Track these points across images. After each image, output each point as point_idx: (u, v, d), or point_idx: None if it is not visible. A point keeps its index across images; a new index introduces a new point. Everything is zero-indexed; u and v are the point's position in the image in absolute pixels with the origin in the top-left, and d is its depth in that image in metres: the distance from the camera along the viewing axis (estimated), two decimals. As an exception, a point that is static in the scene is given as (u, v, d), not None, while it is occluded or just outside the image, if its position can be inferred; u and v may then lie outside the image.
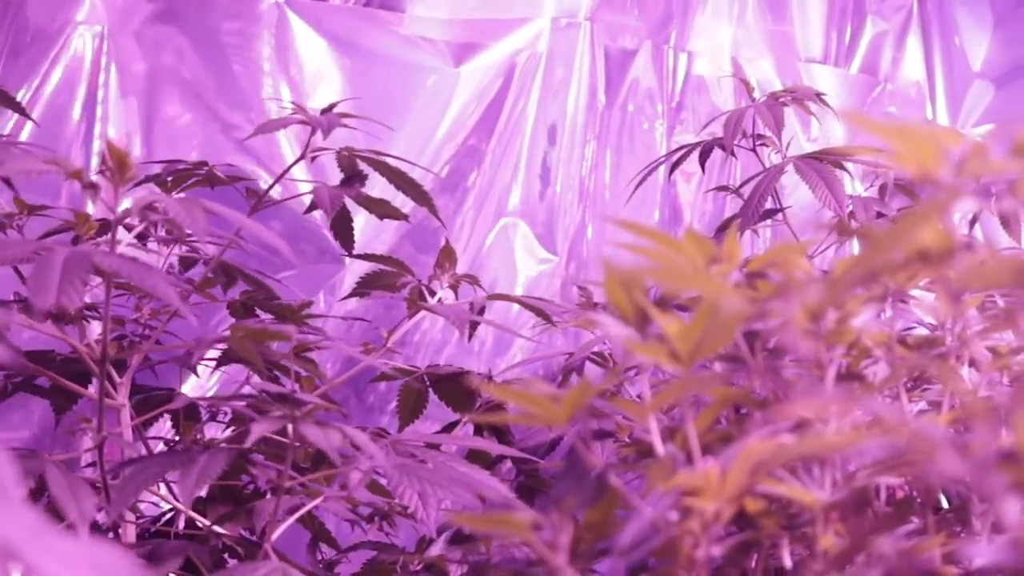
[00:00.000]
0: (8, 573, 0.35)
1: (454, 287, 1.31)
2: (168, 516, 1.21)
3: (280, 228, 1.73)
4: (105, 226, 1.02)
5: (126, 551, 0.95)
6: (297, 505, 1.00)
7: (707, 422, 0.61)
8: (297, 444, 0.87)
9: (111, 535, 1.07)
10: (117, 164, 0.86)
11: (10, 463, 0.36)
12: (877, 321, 0.66)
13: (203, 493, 1.23)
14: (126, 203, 0.96)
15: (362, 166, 1.23)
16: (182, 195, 1.24)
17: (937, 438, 0.45)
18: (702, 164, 1.51)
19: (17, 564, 0.35)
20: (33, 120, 1.60)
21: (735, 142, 1.43)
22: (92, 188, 0.86)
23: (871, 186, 1.58)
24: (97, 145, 1.71)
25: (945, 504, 0.76)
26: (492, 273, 1.85)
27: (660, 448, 0.60)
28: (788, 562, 0.63)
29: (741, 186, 1.49)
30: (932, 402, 0.79)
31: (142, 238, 1.22)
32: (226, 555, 1.14)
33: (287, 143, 1.76)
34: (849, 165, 1.44)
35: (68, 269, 0.77)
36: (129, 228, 0.96)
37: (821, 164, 1.37)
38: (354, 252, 1.30)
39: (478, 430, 1.32)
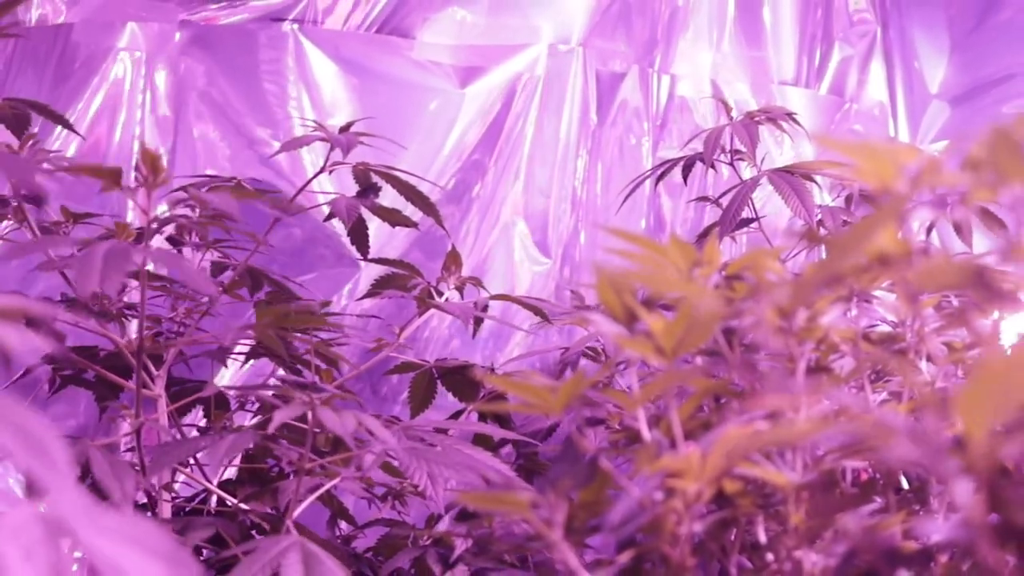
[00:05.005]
0: (59, 547, 0.35)
1: (459, 288, 1.31)
2: (201, 496, 1.21)
3: (301, 235, 1.73)
4: (143, 233, 1.02)
5: (162, 525, 0.96)
6: (317, 485, 1.00)
7: (689, 411, 0.61)
8: (316, 430, 0.87)
9: (149, 513, 1.07)
10: (150, 168, 0.86)
11: (64, 447, 0.36)
12: (843, 319, 0.66)
13: (233, 475, 1.23)
14: (162, 207, 0.97)
15: (376, 179, 1.23)
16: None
17: (897, 426, 0.45)
18: (684, 177, 1.51)
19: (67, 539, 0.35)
20: (80, 134, 1.61)
21: (714, 157, 1.43)
22: (128, 190, 0.86)
23: (838, 197, 1.58)
24: (135, 159, 1.71)
25: (905, 485, 0.76)
26: (494, 276, 1.85)
27: (647, 434, 0.60)
28: (763, 537, 0.63)
29: (720, 197, 1.49)
30: (893, 393, 0.79)
31: (177, 243, 1.22)
32: (253, 531, 1.15)
33: (309, 158, 1.76)
34: (818, 178, 1.44)
35: (109, 259, 0.77)
36: (163, 233, 0.96)
37: (792, 177, 1.37)
38: (369, 256, 1.30)
39: (482, 417, 1.32)
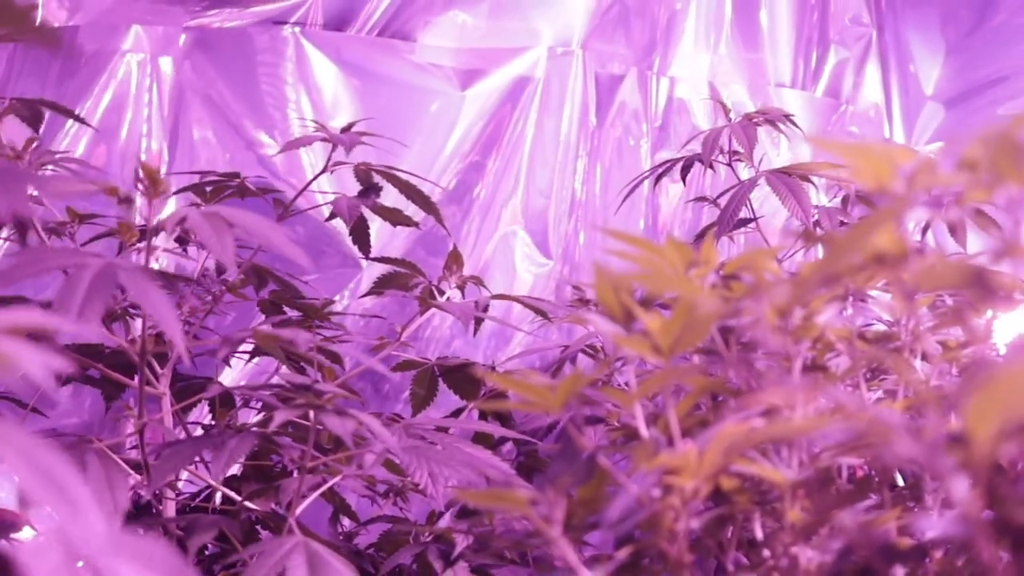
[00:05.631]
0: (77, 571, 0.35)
1: (461, 287, 1.31)
2: (205, 493, 1.21)
3: (303, 235, 1.73)
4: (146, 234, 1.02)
5: (167, 533, 0.95)
6: (320, 482, 0.99)
7: (686, 408, 0.61)
8: (319, 428, 0.87)
9: (153, 511, 1.07)
10: (150, 180, 0.86)
11: (82, 484, 0.37)
12: (839, 318, 0.65)
13: (236, 472, 1.23)
14: (171, 205, 0.96)
15: (377, 179, 1.23)
16: (216, 207, 1.24)
17: (893, 423, 0.45)
18: (683, 178, 1.51)
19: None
20: (92, 127, 1.61)
21: (712, 158, 1.43)
22: (128, 202, 0.86)
23: (835, 197, 1.58)
24: (143, 158, 1.71)
25: (900, 482, 0.76)
26: (495, 276, 1.85)
27: (645, 432, 0.60)
28: (759, 534, 0.63)
29: (718, 197, 1.49)
30: (888, 391, 0.78)
31: (182, 243, 1.22)
32: (257, 527, 1.14)
33: (306, 158, 1.76)
34: (815, 178, 1.44)
35: (93, 287, 0.75)
36: (169, 234, 0.96)
37: (789, 178, 1.36)
38: (370, 256, 1.30)
39: (482, 415, 1.32)
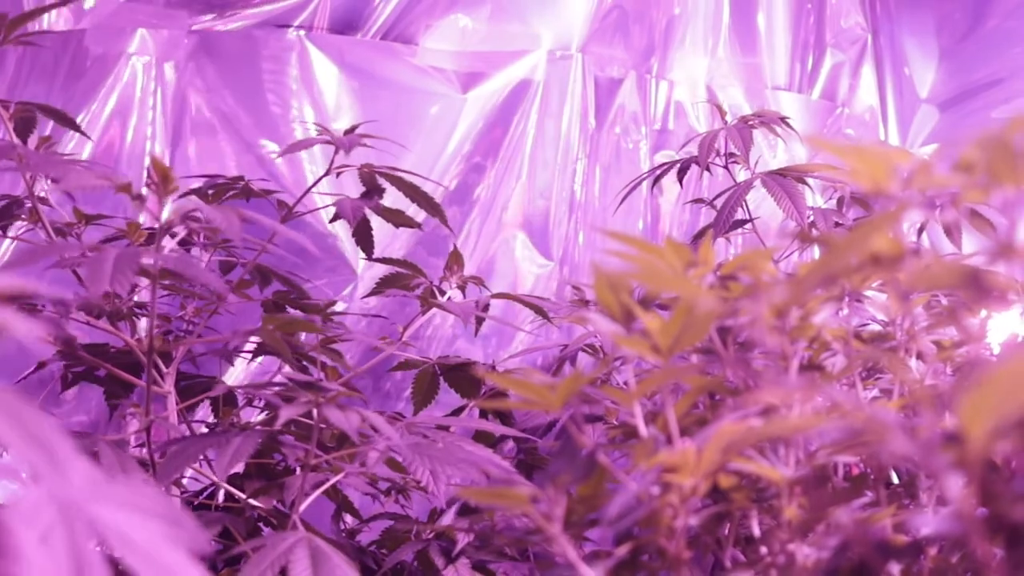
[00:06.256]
0: (75, 527, 0.35)
1: (462, 287, 1.31)
2: (209, 490, 1.21)
3: (306, 238, 1.73)
4: (154, 234, 1.02)
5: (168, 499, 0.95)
6: (323, 480, 0.99)
7: (685, 407, 0.61)
8: (322, 426, 0.87)
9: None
10: (161, 178, 0.86)
11: (60, 433, 0.36)
12: (835, 318, 0.65)
13: (240, 470, 1.23)
14: (171, 207, 0.96)
15: (380, 181, 1.23)
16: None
17: (888, 422, 0.45)
18: (680, 180, 1.51)
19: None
20: (89, 137, 1.61)
21: (709, 160, 1.43)
22: (139, 199, 0.86)
23: (830, 199, 1.58)
24: (146, 161, 1.71)
25: (896, 480, 0.76)
26: (496, 277, 1.85)
27: (643, 430, 0.60)
28: (757, 531, 0.63)
29: (715, 199, 1.49)
30: (884, 390, 0.79)
31: (187, 244, 1.22)
32: (260, 524, 1.14)
33: (308, 162, 1.76)
34: (810, 180, 1.44)
35: (119, 263, 0.77)
36: (174, 235, 0.96)
37: (785, 179, 1.36)
38: (373, 256, 1.30)
39: (483, 414, 1.32)
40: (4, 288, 0.40)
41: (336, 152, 1.19)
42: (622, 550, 0.60)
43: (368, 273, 1.71)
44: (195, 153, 1.76)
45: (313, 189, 1.25)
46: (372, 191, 1.23)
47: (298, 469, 1.15)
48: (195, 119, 1.76)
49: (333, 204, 1.22)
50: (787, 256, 1.46)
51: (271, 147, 1.74)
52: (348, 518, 1.33)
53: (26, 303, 1.02)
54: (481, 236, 1.86)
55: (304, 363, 1.16)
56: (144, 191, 0.86)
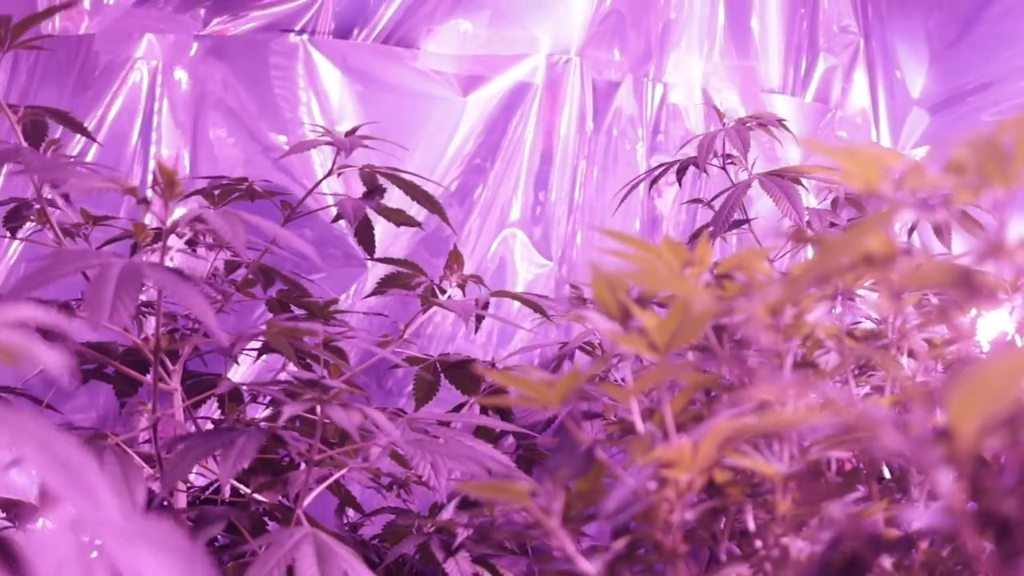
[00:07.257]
0: (90, 560, 0.35)
1: (462, 286, 1.31)
2: (215, 485, 1.21)
3: (311, 236, 1.73)
4: (160, 234, 1.02)
5: (178, 521, 0.95)
6: (326, 475, 0.99)
7: (681, 404, 0.61)
8: (325, 422, 0.87)
9: (164, 503, 1.07)
10: (167, 181, 0.86)
11: (97, 470, 0.36)
12: (829, 316, 0.65)
13: (245, 465, 1.23)
14: (179, 211, 0.96)
15: (382, 181, 1.23)
16: (226, 208, 1.24)
17: (880, 418, 0.45)
18: (679, 180, 1.51)
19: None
20: (97, 142, 1.61)
21: (707, 161, 1.43)
22: (145, 202, 0.86)
23: (824, 199, 1.58)
24: (152, 164, 1.71)
25: (887, 475, 0.76)
26: (496, 277, 1.85)
27: (641, 426, 0.60)
28: (752, 525, 0.63)
29: (712, 199, 1.49)
30: (876, 387, 0.79)
31: (192, 244, 1.22)
32: (265, 519, 1.14)
33: (319, 162, 1.76)
34: (805, 181, 1.44)
35: (121, 285, 0.75)
36: (180, 236, 0.96)
37: (782, 180, 1.36)
38: (375, 256, 1.30)
39: (483, 410, 1.32)
40: (23, 319, 0.40)
41: (338, 153, 1.19)
42: (619, 544, 0.60)
43: (377, 268, 1.71)
44: (202, 153, 1.76)
45: (324, 187, 1.25)
46: (374, 191, 1.23)
47: (302, 464, 1.15)
48: (202, 120, 1.76)
49: (334, 204, 1.22)
50: (783, 256, 1.46)
51: (281, 147, 1.75)
52: (351, 512, 1.33)
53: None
54: (481, 236, 1.86)
55: (308, 361, 1.16)
56: (149, 194, 0.86)
